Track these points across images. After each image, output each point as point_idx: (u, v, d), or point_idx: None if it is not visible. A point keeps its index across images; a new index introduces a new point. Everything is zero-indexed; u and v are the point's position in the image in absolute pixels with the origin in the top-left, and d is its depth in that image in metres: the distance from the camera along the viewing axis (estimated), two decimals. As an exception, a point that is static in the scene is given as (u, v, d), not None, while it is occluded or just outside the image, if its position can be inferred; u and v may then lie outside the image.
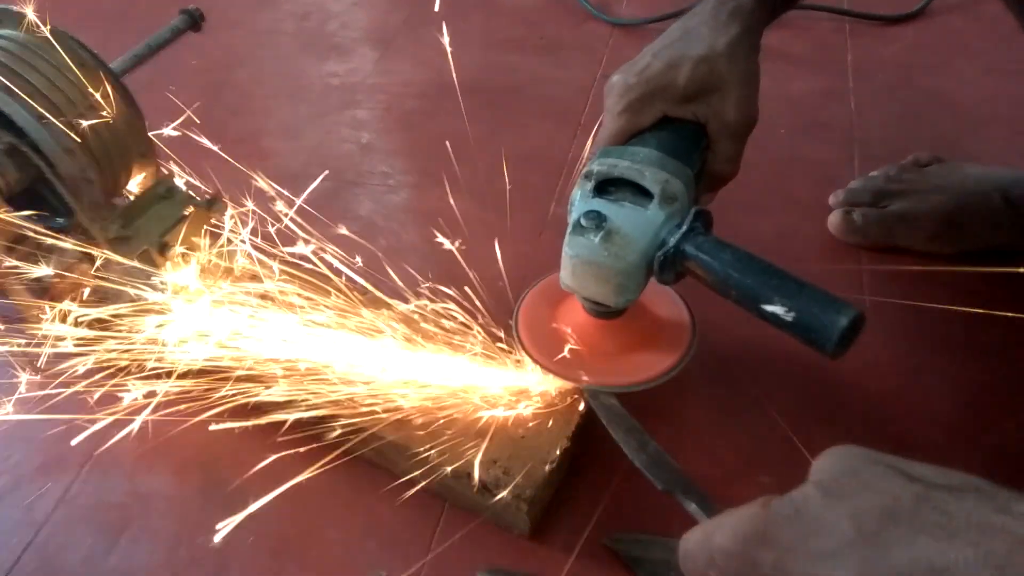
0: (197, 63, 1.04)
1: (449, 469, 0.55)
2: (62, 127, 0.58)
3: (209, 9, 0.74)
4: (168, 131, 0.67)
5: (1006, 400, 0.63)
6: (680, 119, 0.59)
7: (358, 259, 0.68)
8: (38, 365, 0.66)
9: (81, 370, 0.63)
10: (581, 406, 0.58)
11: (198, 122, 0.73)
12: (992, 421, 0.62)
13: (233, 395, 0.59)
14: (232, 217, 0.67)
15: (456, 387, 0.59)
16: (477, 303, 0.67)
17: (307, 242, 0.67)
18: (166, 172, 0.68)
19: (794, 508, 0.33)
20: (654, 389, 0.63)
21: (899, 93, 0.95)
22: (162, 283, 0.62)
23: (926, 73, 0.98)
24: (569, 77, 1.01)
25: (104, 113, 0.61)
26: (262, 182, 0.71)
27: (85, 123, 0.60)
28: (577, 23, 1.11)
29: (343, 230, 0.71)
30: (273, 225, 0.69)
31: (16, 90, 0.57)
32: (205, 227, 0.67)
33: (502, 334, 0.63)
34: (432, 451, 0.55)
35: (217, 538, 0.52)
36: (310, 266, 0.66)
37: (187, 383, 0.59)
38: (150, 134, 0.67)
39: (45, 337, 0.66)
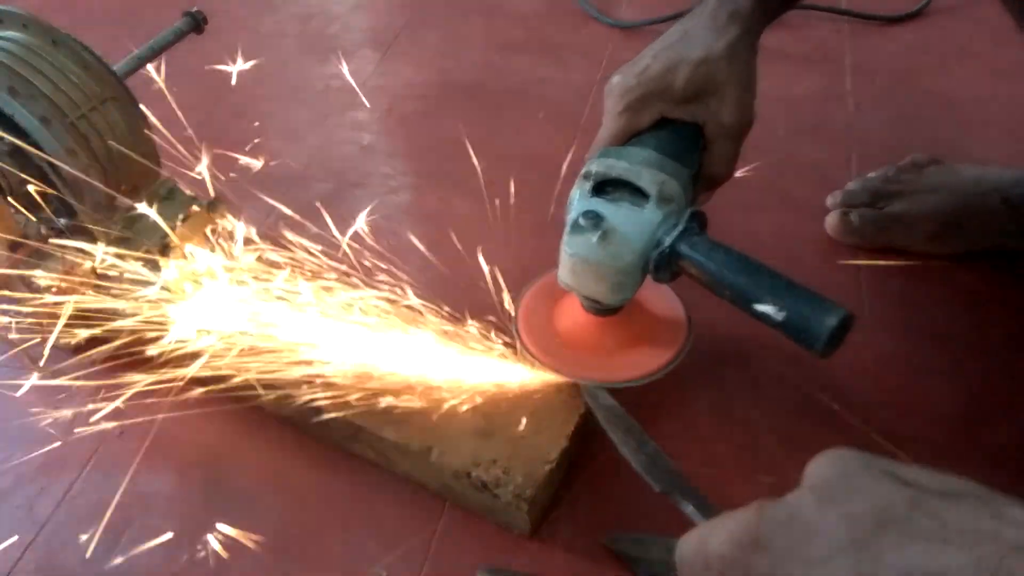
0: (199, 65, 1.04)
1: (449, 469, 0.55)
2: (64, 128, 0.58)
3: (211, 12, 0.74)
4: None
5: (1005, 400, 0.63)
6: (678, 120, 0.59)
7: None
8: (40, 363, 0.66)
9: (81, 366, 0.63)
10: (581, 406, 0.58)
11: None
12: (991, 421, 0.62)
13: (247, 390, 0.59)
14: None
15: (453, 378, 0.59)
16: (477, 302, 0.67)
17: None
18: (168, 173, 0.68)
19: (788, 513, 0.33)
20: (652, 388, 0.63)
21: (898, 94, 0.95)
22: (161, 287, 0.62)
23: (925, 74, 0.98)
24: (569, 79, 1.01)
25: (106, 115, 0.61)
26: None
27: (87, 124, 0.60)
28: (577, 25, 1.11)
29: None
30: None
31: (19, 91, 0.57)
32: (207, 229, 0.67)
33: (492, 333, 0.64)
34: (432, 450, 0.55)
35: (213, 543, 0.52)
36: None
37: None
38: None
39: (47, 334, 0.66)
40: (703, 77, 0.57)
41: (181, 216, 0.65)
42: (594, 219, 0.55)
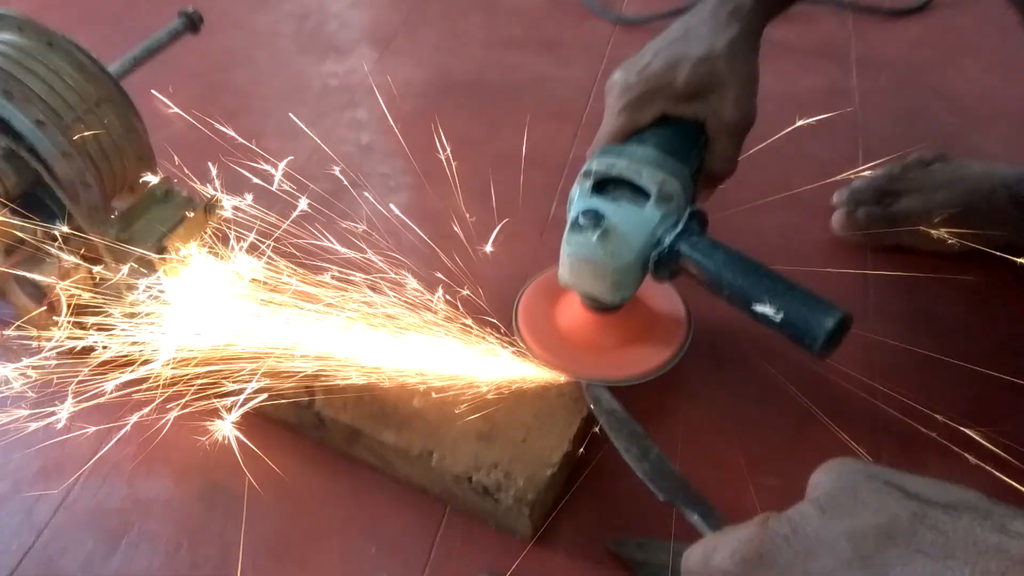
0: (195, 65, 1.04)
1: (450, 473, 0.55)
2: (60, 131, 0.58)
3: (207, 11, 0.75)
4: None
5: (1011, 399, 0.64)
6: (679, 118, 0.60)
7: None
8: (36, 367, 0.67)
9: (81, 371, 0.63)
10: (583, 409, 0.58)
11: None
12: (997, 420, 0.62)
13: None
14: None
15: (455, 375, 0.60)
16: (478, 302, 0.68)
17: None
18: (164, 175, 0.68)
19: (792, 528, 0.34)
20: (655, 389, 0.63)
21: (903, 89, 0.95)
22: (159, 290, 0.63)
23: (931, 69, 0.98)
24: (570, 75, 1.02)
25: (102, 117, 0.62)
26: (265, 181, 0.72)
27: (83, 127, 0.60)
28: (578, 21, 1.12)
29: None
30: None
31: (14, 94, 0.57)
32: (204, 230, 0.67)
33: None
34: (433, 454, 0.55)
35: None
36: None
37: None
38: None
39: (41, 339, 0.67)
40: (704, 74, 0.57)
41: (178, 218, 0.66)
42: (594, 218, 0.56)
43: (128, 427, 0.63)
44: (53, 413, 0.64)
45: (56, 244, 0.62)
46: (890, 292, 0.72)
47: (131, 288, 0.62)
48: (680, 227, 0.55)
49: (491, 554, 0.55)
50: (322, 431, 0.60)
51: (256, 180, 0.86)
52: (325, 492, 0.59)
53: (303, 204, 0.73)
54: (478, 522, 0.56)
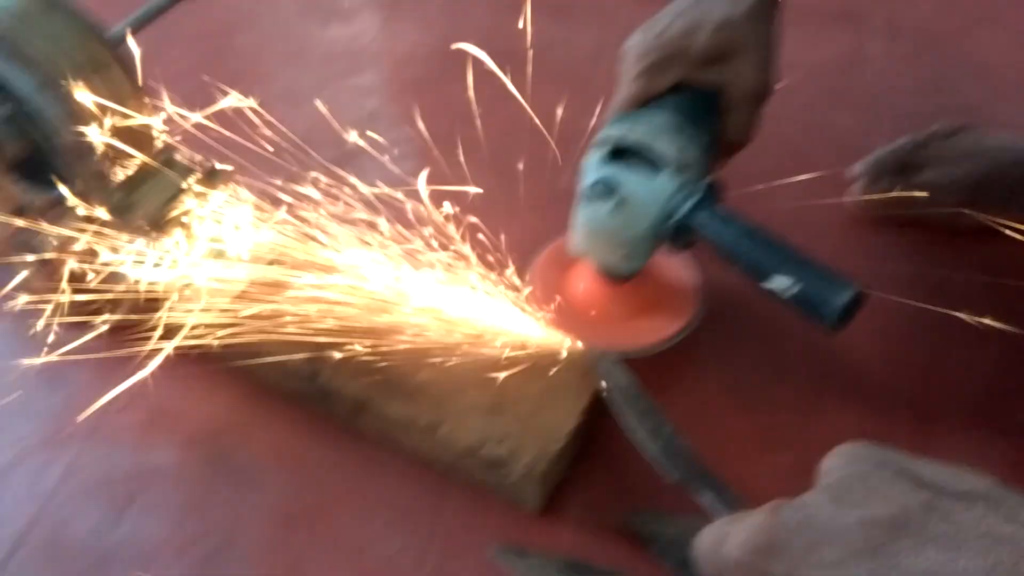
0: (198, 29, 1.04)
1: (458, 445, 0.56)
2: (61, 96, 0.59)
3: (209, -28, 0.75)
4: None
5: (1031, 378, 0.64)
6: (697, 84, 0.60)
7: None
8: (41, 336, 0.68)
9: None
10: (594, 382, 0.59)
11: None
12: (1016, 397, 0.63)
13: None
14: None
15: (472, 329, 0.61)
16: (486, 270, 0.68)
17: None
18: (166, 142, 0.68)
19: (803, 517, 0.35)
20: (670, 365, 0.64)
21: (926, 58, 0.94)
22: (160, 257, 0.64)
23: (954, 37, 0.97)
24: (581, 41, 1.01)
25: (104, 81, 0.62)
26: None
27: (85, 91, 0.60)
28: (590, -15, 1.11)
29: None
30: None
31: (14, 57, 0.57)
32: (205, 196, 0.67)
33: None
34: (441, 426, 0.56)
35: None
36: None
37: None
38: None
39: (47, 305, 0.68)
40: (724, 40, 0.57)
41: (179, 186, 0.66)
42: (608, 187, 0.56)
43: (133, 392, 0.64)
44: (59, 381, 0.66)
45: (57, 211, 0.62)
46: (909, 265, 0.72)
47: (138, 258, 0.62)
48: (696, 198, 0.56)
49: (499, 527, 0.56)
50: (328, 403, 0.61)
51: (260, 147, 0.86)
52: (332, 463, 0.60)
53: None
54: (485, 495, 0.57)
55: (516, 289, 0.65)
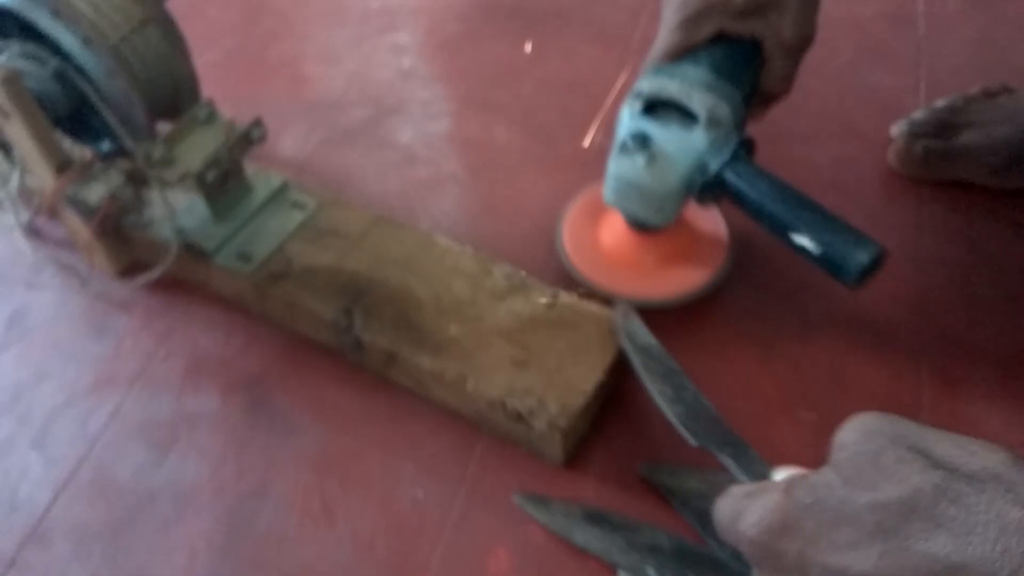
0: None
1: (484, 398, 0.58)
2: (106, 51, 0.61)
3: (248, -71, 0.76)
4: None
5: (1064, 343, 0.64)
6: (736, 36, 0.60)
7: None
8: (88, 284, 0.71)
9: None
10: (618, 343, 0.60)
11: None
12: (1048, 364, 0.63)
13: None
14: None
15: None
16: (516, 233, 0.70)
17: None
18: (208, 98, 0.70)
19: (816, 498, 0.35)
20: (697, 322, 0.65)
21: (974, 16, 0.92)
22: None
23: (1005, -3, 0.95)
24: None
25: (147, 37, 0.64)
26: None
27: (128, 47, 0.62)
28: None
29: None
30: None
31: (62, 12, 0.59)
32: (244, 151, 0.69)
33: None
34: (468, 379, 0.58)
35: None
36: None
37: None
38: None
39: (94, 257, 0.71)
40: None
41: (220, 142, 0.68)
42: (641, 141, 0.58)
43: (176, 342, 0.67)
44: (105, 329, 0.69)
45: (103, 164, 0.65)
46: (945, 228, 0.72)
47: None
48: (728, 154, 0.57)
49: (524, 476, 0.58)
50: (361, 354, 0.63)
51: (295, 105, 0.88)
52: (364, 412, 0.62)
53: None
54: (511, 446, 0.59)
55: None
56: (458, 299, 0.63)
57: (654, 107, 0.60)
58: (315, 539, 0.56)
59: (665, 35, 0.61)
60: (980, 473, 0.32)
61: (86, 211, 0.64)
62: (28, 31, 0.60)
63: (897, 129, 0.77)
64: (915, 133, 0.75)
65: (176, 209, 0.68)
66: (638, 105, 0.60)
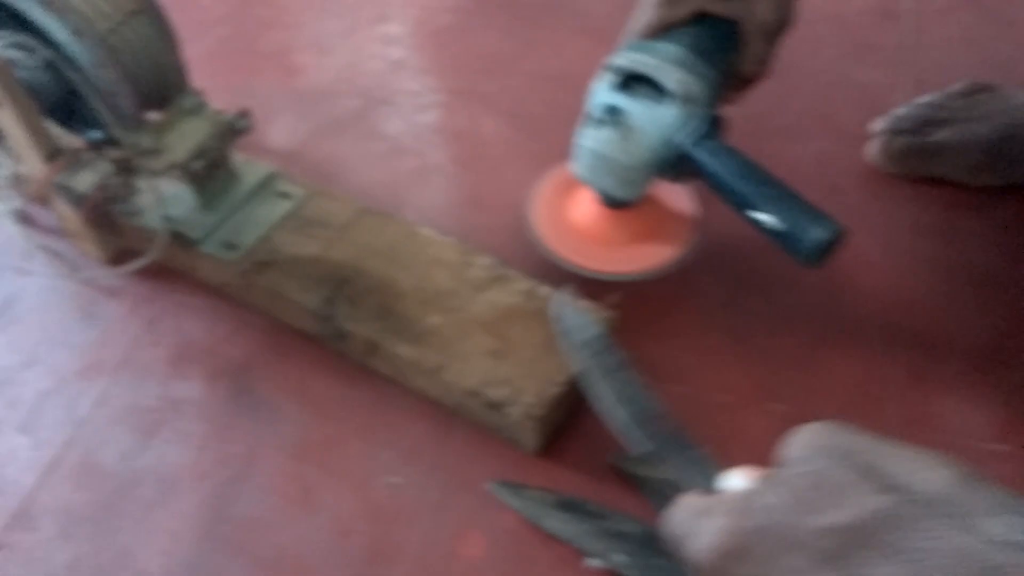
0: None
1: (461, 387, 0.59)
2: (96, 42, 0.62)
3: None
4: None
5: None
6: (715, 16, 0.61)
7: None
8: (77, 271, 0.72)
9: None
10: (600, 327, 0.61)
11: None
12: (1018, 358, 0.64)
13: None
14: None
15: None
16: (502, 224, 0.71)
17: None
18: (196, 88, 0.71)
19: (766, 522, 0.35)
20: (670, 313, 0.66)
21: (962, 13, 0.93)
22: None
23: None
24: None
25: (136, 27, 0.65)
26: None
27: (117, 38, 0.63)
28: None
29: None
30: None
31: (53, 4, 0.60)
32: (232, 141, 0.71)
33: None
34: (446, 369, 0.60)
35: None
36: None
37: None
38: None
39: (83, 244, 0.72)
40: None
41: (208, 131, 0.69)
42: (612, 113, 0.59)
43: (162, 329, 0.69)
44: (92, 314, 0.70)
45: (93, 153, 0.66)
46: (921, 224, 0.73)
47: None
48: (697, 130, 0.58)
49: (500, 465, 0.59)
50: (343, 343, 0.64)
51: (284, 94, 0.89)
52: (346, 400, 0.64)
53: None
54: (488, 434, 0.61)
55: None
56: (439, 290, 0.64)
57: (628, 82, 0.61)
58: (295, 523, 0.57)
59: (644, 11, 0.62)
60: (929, 495, 0.32)
61: (75, 199, 0.66)
62: (19, 21, 0.61)
63: (878, 125, 0.78)
64: (895, 130, 0.76)
65: (164, 197, 0.70)
66: (611, 79, 0.61)
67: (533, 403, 0.57)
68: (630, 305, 0.64)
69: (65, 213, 0.70)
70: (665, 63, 0.59)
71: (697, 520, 0.39)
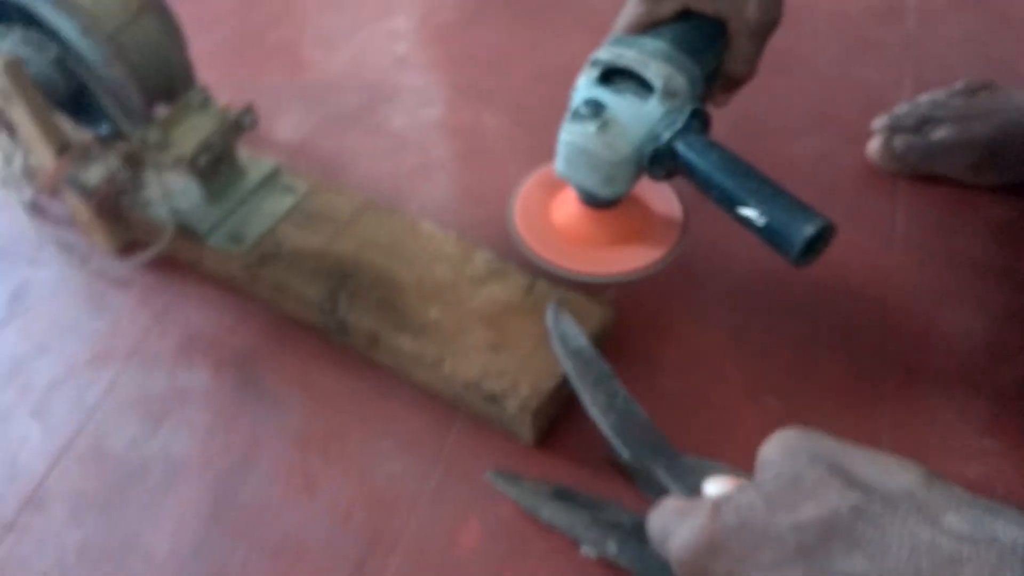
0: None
1: (460, 379, 0.61)
2: (104, 39, 0.63)
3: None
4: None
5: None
6: (701, 14, 0.61)
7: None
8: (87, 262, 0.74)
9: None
10: (594, 320, 0.63)
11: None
12: (1011, 356, 0.65)
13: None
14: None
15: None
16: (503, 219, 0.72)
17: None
18: (202, 84, 0.73)
19: (741, 519, 0.37)
20: (665, 313, 0.67)
21: (966, 12, 0.93)
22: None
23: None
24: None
25: (143, 25, 0.67)
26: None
27: (125, 35, 0.65)
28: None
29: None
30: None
31: (61, 3, 0.62)
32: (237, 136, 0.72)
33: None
34: (445, 361, 0.61)
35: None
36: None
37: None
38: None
39: (93, 236, 0.74)
40: None
41: (214, 127, 0.71)
42: (595, 108, 0.58)
43: (170, 319, 0.71)
44: (102, 305, 0.72)
45: (102, 146, 0.68)
46: (919, 223, 0.74)
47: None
48: (680, 125, 0.58)
49: (498, 455, 0.61)
50: (345, 335, 0.66)
51: (292, 90, 0.91)
52: (348, 391, 0.65)
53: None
54: (487, 426, 0.62)
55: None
56: (440, 284, 0.66)
57: (611, 77, 0.60)
58: (296, 510, 0.59)
59: (630, 8, 0.62)
60: (895, 493, 0.34)
61: (85, 191, 0.67)
62: (29, 19, 0.63)
63: (879, 123, 0.79)
64: (895, 128, 0.77)
65: (172, 191, 0.71)
66: (594, 72, 0.60)
67: (530, 395, 0.59)
68: (625, 302, 0.66)
69: (76, 205, 0.72)
70: (648, 57, 0.58)
71: (676, 519, 0.41)
